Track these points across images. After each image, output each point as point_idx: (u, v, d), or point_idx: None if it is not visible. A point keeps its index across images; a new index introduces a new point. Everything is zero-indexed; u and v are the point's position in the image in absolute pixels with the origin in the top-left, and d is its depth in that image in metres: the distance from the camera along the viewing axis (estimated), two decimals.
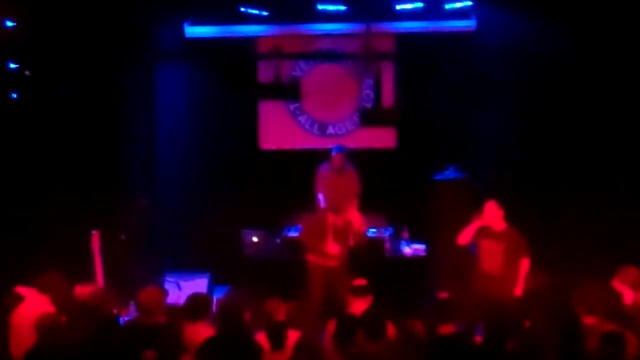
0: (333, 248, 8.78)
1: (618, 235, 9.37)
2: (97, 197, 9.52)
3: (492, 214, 8.21)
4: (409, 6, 10.01)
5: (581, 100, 9.86)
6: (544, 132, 10.07)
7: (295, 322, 6.80)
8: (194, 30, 10.52)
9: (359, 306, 7.01)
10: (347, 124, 10.99)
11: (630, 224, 9.32)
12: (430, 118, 10.42)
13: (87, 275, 8.06)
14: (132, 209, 9.93)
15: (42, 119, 9.33)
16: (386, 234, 9.94)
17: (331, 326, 6.57)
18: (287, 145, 10.97)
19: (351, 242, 8.87)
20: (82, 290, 6.97)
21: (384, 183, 10.31)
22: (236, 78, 10.78)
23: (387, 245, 9.81)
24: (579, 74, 9.79)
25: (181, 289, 9.67)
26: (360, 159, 10.04)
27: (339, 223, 8.82)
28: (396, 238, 10.00)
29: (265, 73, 10.86)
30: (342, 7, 10.07)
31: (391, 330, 6.37)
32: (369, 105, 10.83)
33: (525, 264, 8.11)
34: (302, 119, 11.05)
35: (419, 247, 9.85)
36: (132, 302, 7.64)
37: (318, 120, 11.03)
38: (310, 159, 10.11)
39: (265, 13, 10.24)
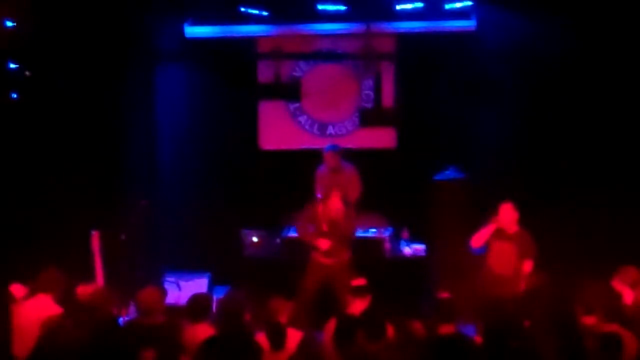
0: (323, 243, 8.78)
1: (618, 235, 9.37)
2: (97, 197, 9.51)
3: (508, 216, 8.21)
4: (409, 6, 9.99)
5: (581, 100, 9.85)
6: (544, 132, 10.07)
7: (293, 321, 6.81)
8: (193, 30, 10.51)
9: (358, 306, 7.02)
10: (347, 124, 10.98)
11: (630, 224, 9.31)
12: (430, 118, 10.42)
13: (87, 275, 8.06)
14: (132, 209, 9.92)
15: (42, 119, 9.31)
16: (386, 234, 9.93)
17: (331, 326, 6.57)
18: (287, 146, 10.96)
19: (344, 231, 8.82)
20: (84, 291, 6.98)
21: (383, 183, 10.31)
22: (236, 78, 10.77)
23: (387, 245, 9.81)
24: (579, 74, 9.79)
25: (181, 289, 9.69)
26: (360, 159, 10.05)
27: (331, 214, 8.80)
28: (396, 238, 10.00)
29: (265, 73, 10.85)
30: (342, 7, 10.06)
31: (391, 330, 6.36)
32: (368, 106, 10.80)
33: (527, 265, 8.13)
34: (302, 119, 11.05)
35: (419, 247, 9.85)
36: (132, 302, 7.64)
37: (318, 120, 11.02)
38: (310, 159, 10.10)
39: (265, 13, 10.24)
